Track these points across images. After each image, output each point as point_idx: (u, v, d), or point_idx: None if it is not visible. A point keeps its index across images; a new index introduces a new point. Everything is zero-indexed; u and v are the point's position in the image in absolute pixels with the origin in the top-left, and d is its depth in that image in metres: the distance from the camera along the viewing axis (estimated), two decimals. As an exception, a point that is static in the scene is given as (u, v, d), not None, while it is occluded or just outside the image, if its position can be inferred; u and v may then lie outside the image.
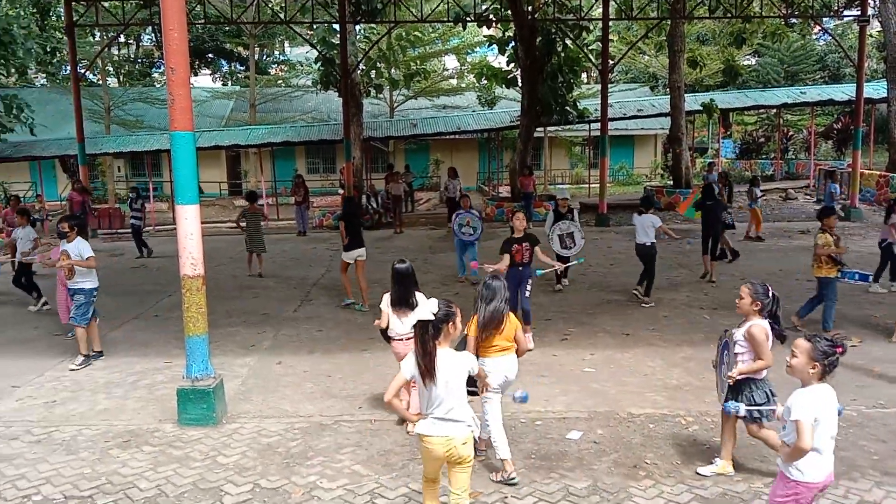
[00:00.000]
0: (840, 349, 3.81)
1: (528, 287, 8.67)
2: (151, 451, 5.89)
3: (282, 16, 24.51)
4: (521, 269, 8.53)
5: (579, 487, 5.17)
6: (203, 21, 26.91)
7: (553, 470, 5.45)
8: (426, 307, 4.16)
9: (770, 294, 5.06)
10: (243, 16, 23.43)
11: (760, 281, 5.26)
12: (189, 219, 6.33)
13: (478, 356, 5.13)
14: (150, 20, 22.52)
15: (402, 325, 6.06)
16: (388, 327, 6.20)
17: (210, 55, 45.29)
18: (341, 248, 10.93)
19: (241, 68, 46.64)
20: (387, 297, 6.22)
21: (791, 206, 23.31)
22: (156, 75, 44.35)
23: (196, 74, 46.26)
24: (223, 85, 46.88)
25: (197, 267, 6.37)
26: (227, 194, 34.19)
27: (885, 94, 23.54)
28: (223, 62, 47.83)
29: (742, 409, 4.83)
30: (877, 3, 22.41)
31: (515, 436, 6.07)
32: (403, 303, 6.07)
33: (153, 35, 40.47)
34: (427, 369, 4.04)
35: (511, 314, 5.33)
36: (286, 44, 45.23)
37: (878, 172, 22.67)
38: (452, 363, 4.14)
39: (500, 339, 5.25)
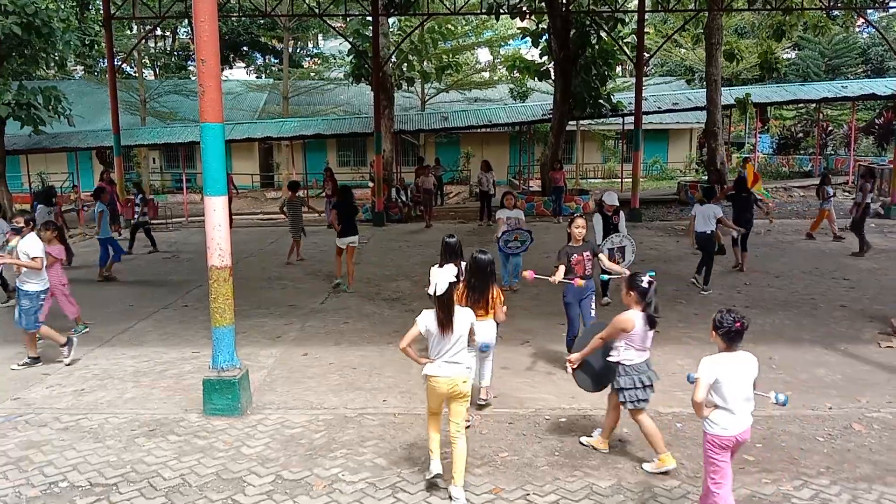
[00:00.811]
0: (739, 324, 4.24)
1: (592, 304, 7.72)
2: (176, 440, 5.95)
3: (315, 9, 24.59)
4: (582, 281, 7.37)
5: (603, 486, 5.09)
6: (238, 14, 27.15)
7: (577, 468, 5.37)
8: (446, 272, 4.88)
9: (646, 283, 5.22)
10: (277, 8, 23.57)
11: (644, 271, 5.48)
12: (217, 210, 6.35)
13: None
14: (185, 13, 22.74)
15: None
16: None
17: (244, 48, 45.62)
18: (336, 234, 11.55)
19: (275, 61, 46.92)
20: (435, 267, 6.64)
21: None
22: (191, 68, 44.77)
23: (231, 67, 46.67)
24: (257, 78, 47.23)
25: (224, 258, 6.39)
26: (260, 186, 34.50)
27: (930, 88, 22.87)
28: (257, 55, 48.13)
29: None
30: (923, -6, 21.77)
31: (539, 432, 6.01)
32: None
33: (189, 28, 40.92)
34: (448, 323, 4.87)
35: (495, 286, 6.16)
36: (319, 37, 45.37)
37: (922, 169, 22.00)
38: (462, 318, 4.99)
39: (480, 307, 6.08)
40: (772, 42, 26.03)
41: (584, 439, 5.79)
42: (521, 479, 5.21)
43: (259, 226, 21.42)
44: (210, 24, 6.15)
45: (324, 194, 21.25)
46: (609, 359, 5.39)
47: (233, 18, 34.94)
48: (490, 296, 6.09)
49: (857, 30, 40.31)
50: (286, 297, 11.36)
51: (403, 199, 21.84)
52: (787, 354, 8.03)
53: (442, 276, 4.85)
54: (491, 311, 6.16)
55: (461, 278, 5.71)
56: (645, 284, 5.22)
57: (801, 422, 6.14)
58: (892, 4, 22.80)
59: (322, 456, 5.63)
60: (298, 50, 46.23)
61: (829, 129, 37.03)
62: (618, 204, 10.14)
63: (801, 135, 38.31)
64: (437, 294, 4.83)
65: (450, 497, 4.92)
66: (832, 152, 34.86)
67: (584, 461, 5.48)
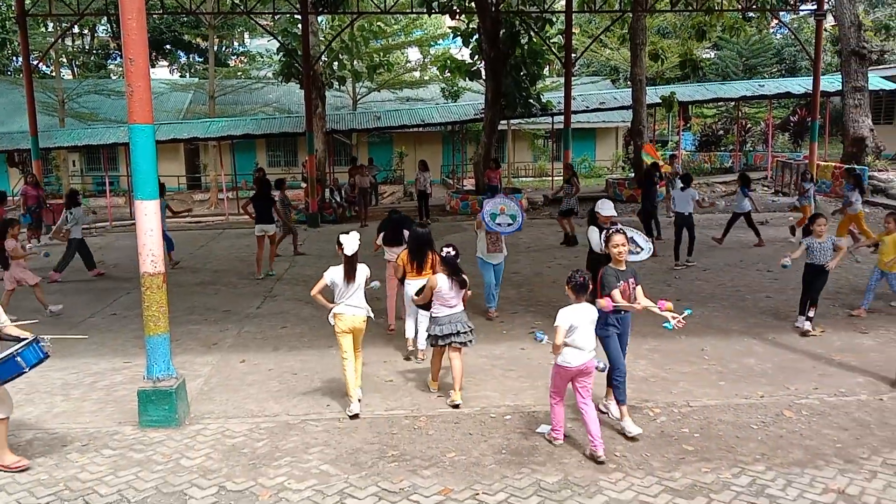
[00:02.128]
0: (582, 279, 5.61)
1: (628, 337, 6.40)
2: (111, 454, 5.72)
3: (242, 6, 24.06)
4: (624, 314, 6.13)
5: (550, 482, 5.16)
6: (160, 11, 26.30)
7: (524, 464, 5.43)
8: (353, 238, 6.58)
9: (444, 254, 6.73)
10: (202, 6, 22.94)
11: (451, 244, 6.85)
12: (149, 214, 6.15)
13: (405, 278, 7.82)
14: (105, 10, 21.93)
15: (392, 254, 8.76)
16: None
17: (167, 46, 44.30)
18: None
19: (200, 60, 45.74)
20: (381, 235, 9.11)
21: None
22: (112, 67, 43.30)
23: (153, 66, 45.24)
24: (181, 77, 45.94)
25: (157, 264, 6.20)
26: (186, 188, 33.57)
27: (840, 88, 24.03)
28: (181, 53, 46.82)
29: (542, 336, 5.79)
30: (832, -3, 22.90)
31: (485, 430, 6.04)
32: (395, 239, 8.88)
33: (109, 25, 39.46)
34: (352, 275, 6.51)
35: (433, 253, 7.58)
36: (246, 35, 44.47)
37: (834, 164, 23.16)
38: (361, 272, 6.61)
39: (424, 268, 7.64)
40: (693, 42, 26.89)
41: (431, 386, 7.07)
42: (469, 478, 5.22)
43: (188, 229, 20.83)
44: (138, 22, 5.93)
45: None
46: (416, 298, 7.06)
47: (155, 16, 33.84)
48: (430, 259, 7.62)
49: (772, 31, 41.94)
50: (221, 302, 11.08)
51: (338, 199, 21.62)
52: (717, 345, 8.31)
53: (350, 241, 6.53)
54: (431, 271, 7.47)
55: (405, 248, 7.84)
56: (444, 255, 6.72)
57: (735, 410, 6.37)
58: (802, 7, 23.82)
59: (266, 465, 5.51)
60: (224, 48, 45.17)
61: (748, 126, 38.44)
62: (615, 214, 8.60)
63: (721, 132, 39.61)
64: (348, 254, 6.48)
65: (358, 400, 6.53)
66: (751, 149, 36.18)
67: (530, 458, 5.54)
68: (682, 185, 13.24)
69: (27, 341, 5.36)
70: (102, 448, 5.84)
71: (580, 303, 5.59)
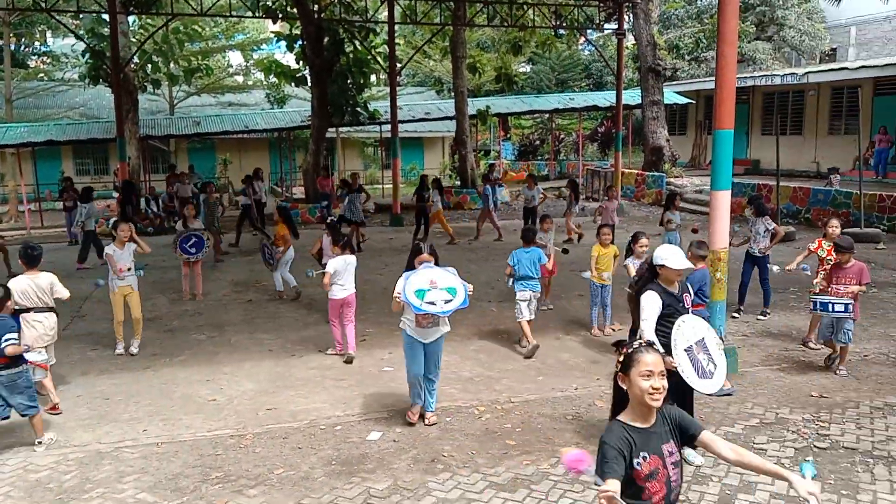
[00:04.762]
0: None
1: None
2: None
3: (42, 3, 22.08)
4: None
5: (380, 489, 5.21)
6: (-58, 4, 23.52)
7: (354, 473, 5.44)
8: (123, 226, 8.62)
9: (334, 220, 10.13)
10: (-8, -1, 20.80)
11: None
12: (-74, 231, 5.50)
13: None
14: None
15: None
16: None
17: (-48, 42, 39.67)
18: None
19: (-7, 59, 41.38)
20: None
21: (563, 204, 25.14)
22: None
23: (-66, 63, 40.30)
24: (-30, 77, 41.30)
25: (-61, 286, 5.56)
26: (-21, 200, 30.25)
27: (640, 101, 26.26)
28: (-31, 51, 42.09)
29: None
30: (631, 18, 24.91)
31: (314, 443, 5.99)
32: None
33: None
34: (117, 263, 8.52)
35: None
36: (49, 34, 40.80)
37: (636, 171, 25.26)
38: (129, 247, 8.63)
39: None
40: (509, 57, 28.24)
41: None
42: (298, 494, 5.15)
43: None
44: None
45: (62, 207, 19.16)
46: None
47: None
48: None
49: (580, 48, 44.94)
50: (20, 324, 10.07)
51: (154, 209, 20.44)
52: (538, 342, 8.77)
53: (121, 228, 8.56)
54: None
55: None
56: (328, 221, 10.04)
57: (552, 404, 6.77)
58: (606, 26, 25.70)
59: (75, 499, 5.12)
60: (23, 48, 41.14)
61: (562, 136, 40.96)
62: (692, 266, 5.64)
63: (538, 142, 41.89)
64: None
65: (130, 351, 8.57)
66: (564, 158, 38.56)
67: (360, 466, 5.56)
68: (526, 185, 17.08)
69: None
70: None
71: (344, 255, 8.12)
